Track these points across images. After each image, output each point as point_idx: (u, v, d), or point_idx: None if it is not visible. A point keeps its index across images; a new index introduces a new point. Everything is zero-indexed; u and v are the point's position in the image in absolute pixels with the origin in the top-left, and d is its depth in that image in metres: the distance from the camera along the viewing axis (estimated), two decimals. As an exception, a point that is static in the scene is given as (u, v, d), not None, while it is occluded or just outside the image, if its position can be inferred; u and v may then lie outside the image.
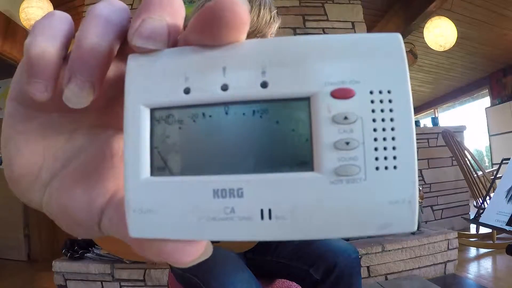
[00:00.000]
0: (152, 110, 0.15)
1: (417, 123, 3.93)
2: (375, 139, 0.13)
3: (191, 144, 0.15)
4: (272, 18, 0.67)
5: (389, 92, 0.14)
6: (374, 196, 0.13)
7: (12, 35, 2.64)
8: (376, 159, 0.13)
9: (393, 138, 0.13)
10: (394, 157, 0.13)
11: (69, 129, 0.18)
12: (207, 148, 0.14)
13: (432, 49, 3.26)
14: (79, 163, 0.18)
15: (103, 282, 1.81)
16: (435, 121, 4.19)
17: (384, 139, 0.13)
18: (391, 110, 0.13)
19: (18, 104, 0.17)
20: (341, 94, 0.14)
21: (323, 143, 0.14)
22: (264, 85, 0.14)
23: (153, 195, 0.14)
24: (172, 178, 0.14)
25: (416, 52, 3.77)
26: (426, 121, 5.36)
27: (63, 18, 0.16)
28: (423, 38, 3.20)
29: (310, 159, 0.14)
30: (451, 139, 2.55)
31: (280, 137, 0.14)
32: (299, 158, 0.14)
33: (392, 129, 0.13)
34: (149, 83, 0.15)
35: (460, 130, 3.07)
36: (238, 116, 0.14)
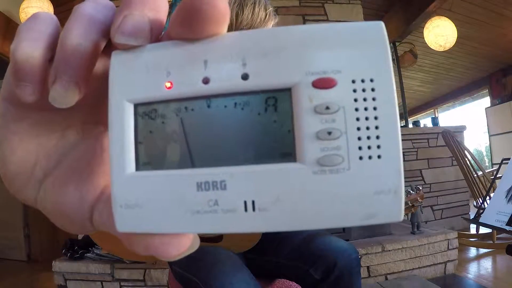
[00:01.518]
0: (136, 106, 0.15)
1: (417, 123, 3.92)
2: (358, 129, 0.13)
3: (174, 138, 0.15)
4: (267, 16, 0.67)
5: (371, 80, 0.13)
6: (359, 186, 0.13)
7: (12, 35, 2.63)
8: (360, 148, 0.13)
9: (376, 127, 0.13)
10: (378, 146, 0.13)
11: (62, 127, 0.18)
12: (190, 141, 0.15)
13: (432, 49, 3.26)
14: (71, 160, 0.18)
15: (103, 282, 1.81)
16: (435, 121, 4.19)
17: (367, 128, 0.13)
18: (374, 99, 0.13)
19: (10, 104, 0.17)
20: (323, 83, 0.14)
21: (305, 134, 0.13)
22: (245, 77, 0.14)
23: (138, 189, 0.14)
24: (157, 172, 0.14)
25: (416, 52, 3.77)
26: (426, 121, 5.36)
27: (48, 20, 0.16)
28: (423, 38, 3.20)
29: (292, 150, 0.14)
30: (451, 139, 2.55)
31: (262, 129, 0.14)
32: (282, 149, 0.14)
33: (375, 118, 0.13)
34: (132, 79, 0.15)
35: (460, 130, 3.07)
36: (220, 108, 0.14)
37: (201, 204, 0.14)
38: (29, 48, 0.15)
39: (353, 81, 0.13)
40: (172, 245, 0.15)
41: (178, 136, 0.15)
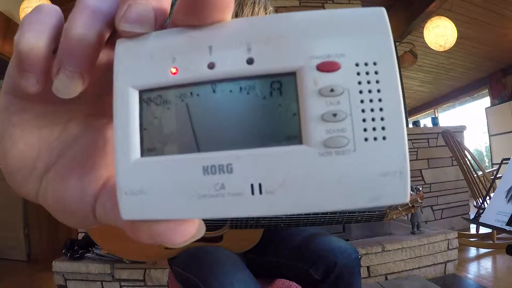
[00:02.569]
0: (141, 92, 0.15)
1: (417, 123, 3.92)
2: (363, 110, 0.13)
3: (180, 123, 0.15)
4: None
5: (374, 64, 0.14)
6: (364, 167, 0.13)
7: (12, 35, 2.63)
8: (365, 130, 0.13)
9: (380, 109, 0.13)
10: (383, 128, 0.13)
11: (64, 119, 0.18)
12: (195, 126, 0.15)
13: (432, 49, 3.26)
14: (73, 153, 0.18)
15: (103, 282, 1.81)
16: (435, 121, 4.19)
17: (372, 110, 0.13)
18: (377, 82, 0.14)
19: (12, 97, 0.17)
20: (327, 67, 0.14)
21: (311, 116, 0.14)
22: (250, 61, 0.14)
23: (143, 175, 0.14)
24: (162, 158, 0.14)
25: (416, 52, 3.76)
26: (426, 121, 5.36)
27: (51, 11, 0.16)
28: (423, 38, 3.20)
29: (298, 132, 0.14)
30: (451, 139, 2.55)
31: (267, 113, 0.14)
32: (288, 132, 0.14)
33: (380, 100, 0.13)
34: (137, 66, 0.15)
35: (460, 130, 3.07)
36: (226, 93, 0.14)
37: (208, 188, 0.14)
38: (33, 39, 0.15)
39: (357, 64, 0.14)
40: (177, 232, 0.15)
41: (183, 121, 0.15)
